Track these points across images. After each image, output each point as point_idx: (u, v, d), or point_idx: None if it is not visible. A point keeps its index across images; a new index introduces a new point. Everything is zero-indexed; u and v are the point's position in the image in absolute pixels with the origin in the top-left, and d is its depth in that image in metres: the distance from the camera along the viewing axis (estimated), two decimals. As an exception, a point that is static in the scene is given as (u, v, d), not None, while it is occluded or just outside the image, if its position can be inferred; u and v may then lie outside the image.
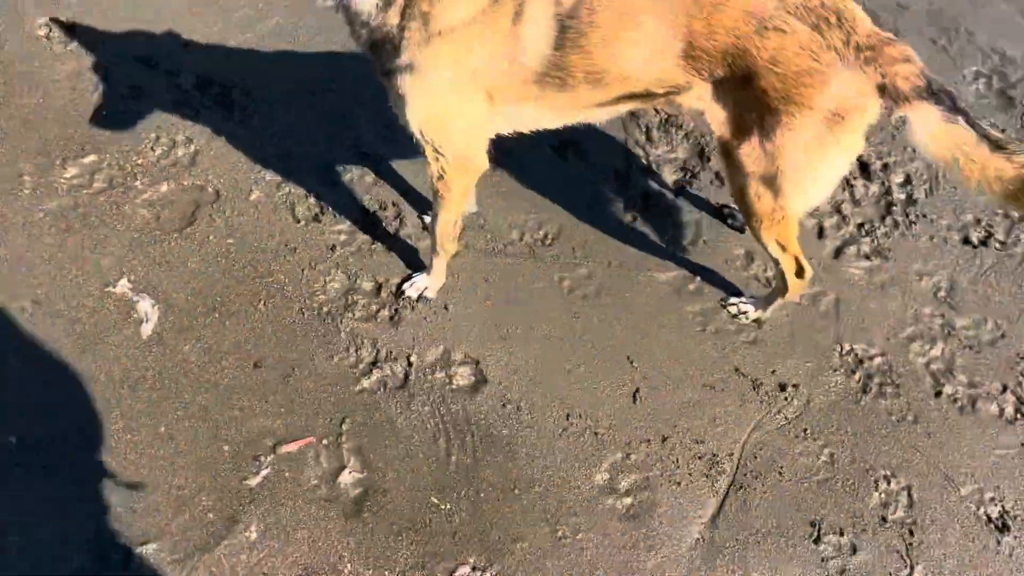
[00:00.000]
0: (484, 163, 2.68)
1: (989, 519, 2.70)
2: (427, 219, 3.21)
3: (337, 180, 3.34)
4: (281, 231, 3.19)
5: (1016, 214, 3.36)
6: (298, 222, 3.22)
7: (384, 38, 2.36)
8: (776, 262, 2.82)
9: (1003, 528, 2.68)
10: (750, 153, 2.49)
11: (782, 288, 2.94)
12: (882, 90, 2.32)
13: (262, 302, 3.01)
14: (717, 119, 2.53)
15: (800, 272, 2.84)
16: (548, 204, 3.34)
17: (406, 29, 2.31)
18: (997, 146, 2.31)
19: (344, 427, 2.75)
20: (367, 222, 3.24)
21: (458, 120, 2.54)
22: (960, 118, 2.33)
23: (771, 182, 2.52)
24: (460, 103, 2.50)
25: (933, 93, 2.32)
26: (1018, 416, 2.92)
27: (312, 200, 3.28)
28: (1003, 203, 2.84)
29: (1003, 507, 2.72)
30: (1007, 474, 2.80)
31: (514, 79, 2.46)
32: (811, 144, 2.41)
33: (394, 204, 3.29)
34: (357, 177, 3.36)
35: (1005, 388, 2.97)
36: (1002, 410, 2.93)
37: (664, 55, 2.40)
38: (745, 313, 3.08)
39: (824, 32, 2.30)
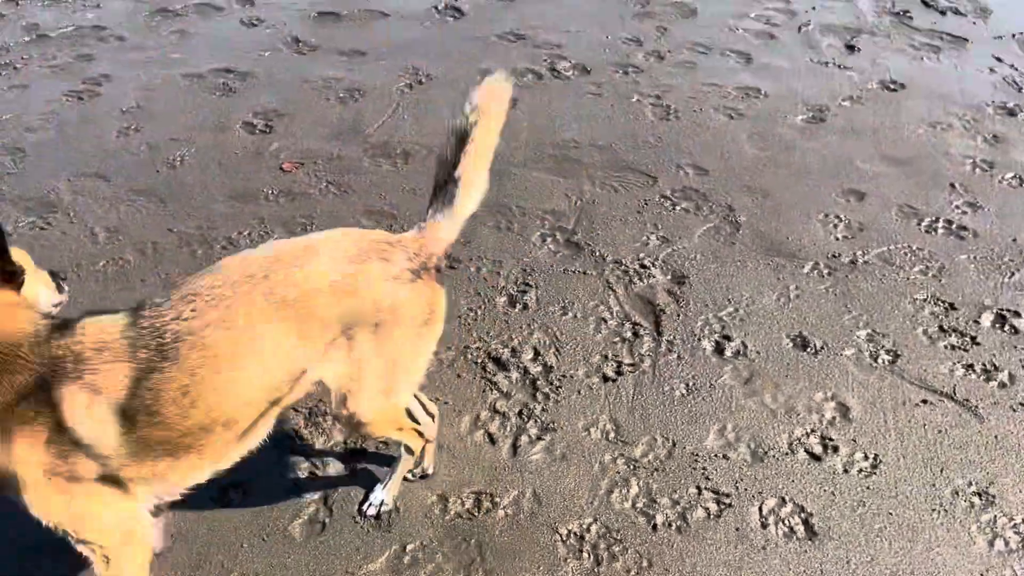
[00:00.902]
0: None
1: (751, 615, 2.86)
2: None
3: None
4: None
5: None
6: None
7: None
8: (400, 442, 3.04)
9: (764, 617, 2.85)
10: (366, 384, 2.62)
11: (417, 447, 3.10)
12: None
13: None
14: (338, 377, 2.60)
15: (420, 434, 3.05)
16: (232, 558, 3.12)
17: None
18: None
19: None
20: None
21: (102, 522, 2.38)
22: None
23: (385, 392, 2.70)
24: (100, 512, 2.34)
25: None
26: (720, 508, 3.18)
27: None
28: None
29: (754, 597, 2.90)
30: (743, 563, 3.00)
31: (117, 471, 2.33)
32: (413, 344, 2.68)
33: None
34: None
35: (699, 489, 3.24)
36: (707, 511, 3.17)
37: (286, 359, 2.44)
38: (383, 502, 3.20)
39: (391, 260, 2.55)
